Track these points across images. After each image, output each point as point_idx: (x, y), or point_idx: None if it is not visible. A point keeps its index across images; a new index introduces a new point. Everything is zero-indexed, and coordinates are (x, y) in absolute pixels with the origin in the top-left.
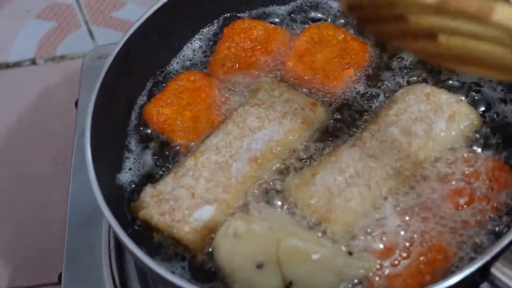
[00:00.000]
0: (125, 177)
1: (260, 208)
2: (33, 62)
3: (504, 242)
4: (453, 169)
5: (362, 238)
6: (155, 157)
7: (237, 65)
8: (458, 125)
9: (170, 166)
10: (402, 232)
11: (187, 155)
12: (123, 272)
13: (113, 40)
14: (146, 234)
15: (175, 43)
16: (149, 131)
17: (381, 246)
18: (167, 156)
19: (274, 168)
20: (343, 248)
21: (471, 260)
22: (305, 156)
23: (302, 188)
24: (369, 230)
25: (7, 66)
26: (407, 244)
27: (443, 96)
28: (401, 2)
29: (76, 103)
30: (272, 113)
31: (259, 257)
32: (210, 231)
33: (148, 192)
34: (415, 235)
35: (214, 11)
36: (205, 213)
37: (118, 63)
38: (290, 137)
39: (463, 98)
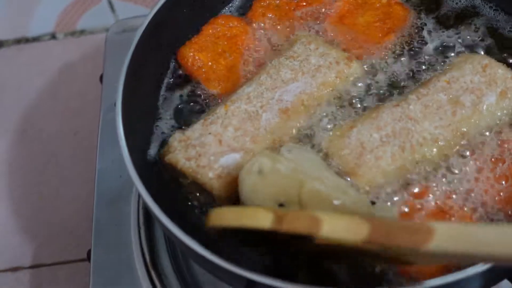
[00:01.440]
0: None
1: (291, 148)
2: (53, 36)
3: None
4: (492, 147)
5: (384, 198)
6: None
7: (278, 16)
8: (509, 102)
9: None
10: (425, 203)
11: (219, 103)
12: (153, 249)
13: (133, 13)
14: (179, 209)
15: (207, 14)
16: (180, 106)
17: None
18: None
19: (303, 121)
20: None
21: None
22: (335, 111)
23: (337, 139)
24: (393, 191)
25: (26, 40)
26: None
27: (500, 70)
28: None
29: (101, 78)
30: (306, 66)
31: (281, 197)
32: (234, 179)
33: (176, 137)
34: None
35: None
36: (231, 161)
37: (147, 37)
38: (324, 91)
39: None
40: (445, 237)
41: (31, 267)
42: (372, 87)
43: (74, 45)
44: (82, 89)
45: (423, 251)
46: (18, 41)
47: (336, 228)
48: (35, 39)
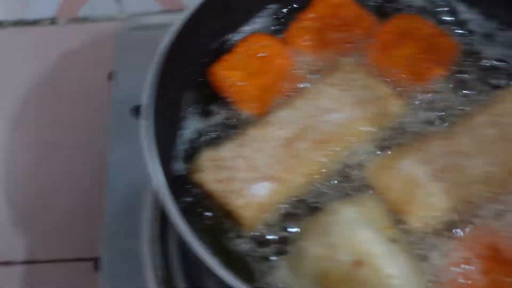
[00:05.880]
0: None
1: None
2: (53, 22)
3: None
4: None
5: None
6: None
7: (315, 39)
8: None
9: None
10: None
11: (250, 125)
12: (166, 265)
13: (140, 3)
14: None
15: (238, 24)
16: (201, 123)
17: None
18: None
19: (341, 155)
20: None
21: None
22: (373, 149)
23: (383, 171)
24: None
25: (25, 23)
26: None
27: None
28: None
29: (110, 75)
30: (346, 97)
31: None
32: (264, 209)
33: (207, 156)
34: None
35: None
36: (262, 189)
37: (172, 46)
38: (359, 127)
39: None
40: None
41: (25, 262)
42: (415, 123)
43: (75, 33)
44: (81, 79)
45: None
46: (16, 23)
47: None
48: (35, 22)
